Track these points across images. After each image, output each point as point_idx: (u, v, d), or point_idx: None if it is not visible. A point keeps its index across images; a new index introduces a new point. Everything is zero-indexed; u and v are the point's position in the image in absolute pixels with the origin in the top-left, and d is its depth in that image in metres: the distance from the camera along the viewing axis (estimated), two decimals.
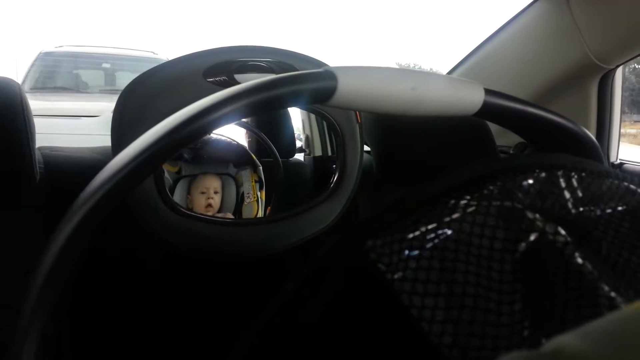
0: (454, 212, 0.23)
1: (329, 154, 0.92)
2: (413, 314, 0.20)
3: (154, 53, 3.81)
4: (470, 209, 0.23)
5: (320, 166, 0.93)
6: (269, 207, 0.86)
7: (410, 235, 0.23)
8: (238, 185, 0.84)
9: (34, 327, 0.25)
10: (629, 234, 0.23)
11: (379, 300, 0.22)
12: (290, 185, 0.89)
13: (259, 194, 0.85)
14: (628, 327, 0.13)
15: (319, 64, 0.73)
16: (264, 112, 0.29)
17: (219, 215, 0.81)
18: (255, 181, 0.85)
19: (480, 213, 0.23)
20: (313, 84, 0.30)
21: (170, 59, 0.70)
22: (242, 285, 0.89)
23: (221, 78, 0.69)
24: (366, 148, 1.04)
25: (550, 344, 0.13)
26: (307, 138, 0.98)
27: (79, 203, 0.27)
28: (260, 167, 0.86)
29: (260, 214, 0.85)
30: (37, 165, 0.74)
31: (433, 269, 0.21)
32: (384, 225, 0.24)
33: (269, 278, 0.79)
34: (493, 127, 1.03)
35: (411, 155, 0.99)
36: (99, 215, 0.26)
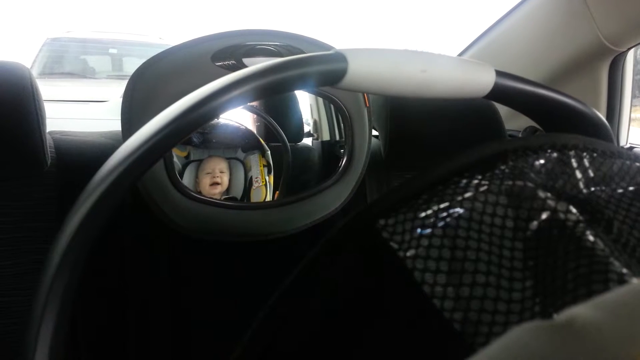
0: (466, 192, 0.23)
1: (337, 138, 0.92)
2: (425, 290, 0.21)
3: (160, 38, 3.80)
4: (482, 188, 0.23)
5: (329, 150, 0.93)
6: (277, 192, 0.86)
7: (422, 214, 0.23)
8: (246, 170, 0.85)
9: (49, 310, 0.26)
10: (639, 214, 0.23)
11: (391, 277, 0.23)
12: (298, 169, 0.89)
13: (267, 178, 0.86)
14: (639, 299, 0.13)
15: (328, 47, 0.73)
16: (274, 94, 0.29)
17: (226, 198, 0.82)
18: (264, 166, 0.86)
19: (492, 192, 0.23)
20: (324, 66, 0.30)
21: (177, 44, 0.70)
22: (253, 267, 0.90)
23: (229, 62, 0.69)
24: (374, 132, 1.04)
25: (563, 315, 0.13)
26: (315, 122, 0.98)
27: (91, 187, 0.27)
28: (269, 152, 0.86)
29: (268, 199, 0.86)
30: (48, 150, 0.75)
31: (445, 246, 0.22)
32: (396, 205, 0.24)
33: (279, 260, 0.79)
34: (501, 111, 1.02)
35: (419, 139, 0.99)
36: (112, 199, 0.27)
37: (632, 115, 1.20)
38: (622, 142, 1.20)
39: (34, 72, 2.92)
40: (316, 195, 0.79)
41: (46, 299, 0.26)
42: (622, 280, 0.18)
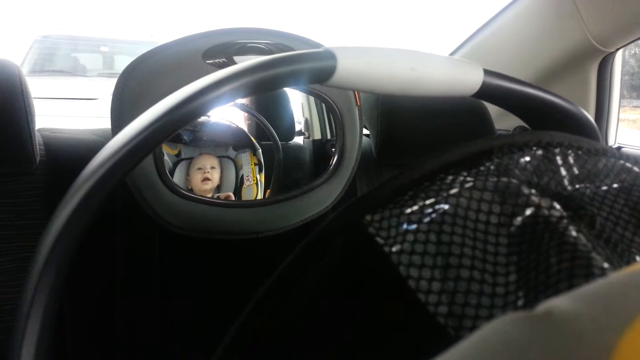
0: (452, 188, 0.23)
1: (328, 137, 0.92)
2: (410, 285, 0.21)
3: (151, 36, 3.79)
4: (467, 185, 0.23)
5: (320, 149, 0.93)
6: (268, 190, 0.86)
7: (408, 210, 0.23)
8: (237, 168, 0.85)
9: (36, 307, 0.25)
10: (623, 210, 0.24)
11: (377, 272, 0.23)
12: (289, 168, 0.89)
13: (258, 177, 0.86)
14: (616, 290, 0.13)
15: (319, 45, 0.73)
16: (264, 91, 0.30)
17: (222, 195, 0.82)
18: (255, 164, 0.86)
19: (478, 188, 0.23)
20: (313, 64, 0.30)
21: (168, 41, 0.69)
22: (244, 265, 0.90)
23: (220, 60, 0.69)
24: (365, 131, 1.04)
25: (543, 306, 0.13)
26: (306, 121, 0.98)
27: (79, 183, 0.27)
28: (260, 150, 0.86)
29: (259, 197, 0.86)
30: (38, 147, 0.74)
31: (430, 242, 0.22)
32: (382, 201, 0.24)
33: (270, 258, 0.79)
34: (492, 111, 1.03)
35: (410, 138, 0.99)
36: (100, 195, 0.27)
37: (622, 116, 1.21)
38: (611, 142, 1.21)
39: (24, 70, 2.90)
40: (307, 193, 0.79)
41: (33, 296, 0.26)
42: (603, 275, 0.18)
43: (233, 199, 0.83)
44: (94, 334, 0.83)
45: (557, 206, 0.22)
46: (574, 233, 0.20)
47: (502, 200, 0.22)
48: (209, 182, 0.80)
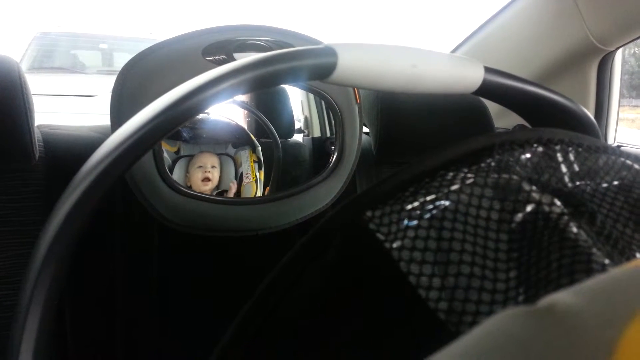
0: (453, 184, 0.23)
1: (328, 134, 0.92)
2: (411, 281, 0.21)
3: (150, 33, 3.78)
4: (468, 181, 0.23)
5: (319, 147, 0.93)
6: (268, 188, 0.86)
7: (409, 206, 0.23)
8: (237, 166, 0.85)
9: (36, 302, 0.25)
10: (623, 207, 0.24)
11: (377, 268, 0.23)
12: (289, 165, 0.89)
13: (257, 174, 0.86)
14: (618, 285, 0.13)
15: (318, 43, 0.73)
16: (264, 87, 0.30)
17: (227, 193, 0.82)
18: (254, 161, 0.86)
19: (478, 185, 0.23)
20: (313, 60, 0.30)
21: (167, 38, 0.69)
22: (243, 262, 0.90)
23: (220, 57, 0.68)
24: (365, 129, 1.04)
25: (545, 301, 0.13)
26: (305, 119, 0.98)
27: (78, 179, 0.27)
28: (259, 148, 0.86)
29: (259, 194, 0.86)
30: (37, 143, 0.74)
31: (431, 238, 0.22)
32: (383, 197, 0.24)
33: (270, 256, 0.80)
34: (491, 109, 1.03)
35: (409, 136, 0.99)
36: (98, 191, 0.27)
37: (621, 115, 1.21)
38: (610, 141, 1.22)
39: (23, 67, 2.89)
40: (307, 190, 0.79)
41: (32, 292, 0.25)
42: (604, 271, 0.18)
43: (235, 186, 0.83)
44: (93, 331, 0.83)
45: (558, 203, 0.22)
46: (574, 229, 0.20)
47: (502, 197, 0.22)
48: (209, 182, 0.80)
